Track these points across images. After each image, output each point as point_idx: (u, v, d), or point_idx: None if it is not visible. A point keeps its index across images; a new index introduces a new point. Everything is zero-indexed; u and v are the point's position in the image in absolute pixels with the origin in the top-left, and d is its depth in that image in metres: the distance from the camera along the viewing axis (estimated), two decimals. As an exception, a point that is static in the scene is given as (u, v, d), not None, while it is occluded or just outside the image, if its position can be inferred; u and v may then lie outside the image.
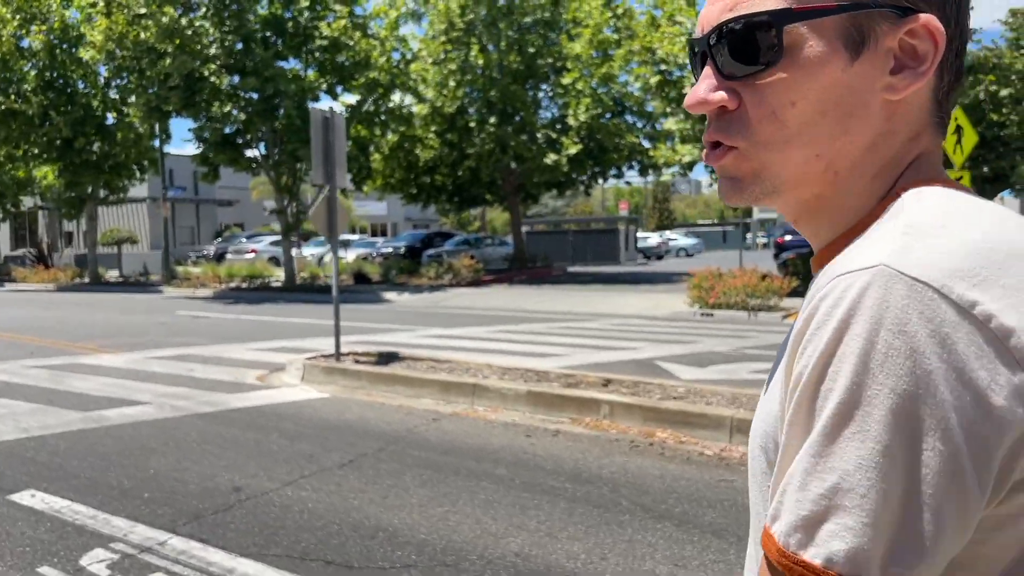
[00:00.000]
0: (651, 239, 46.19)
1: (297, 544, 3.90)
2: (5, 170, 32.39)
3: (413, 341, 11.24)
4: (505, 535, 4.01)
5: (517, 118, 25.48)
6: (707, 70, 0.70)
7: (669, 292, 19.34)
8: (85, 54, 23.05)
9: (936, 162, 0.72)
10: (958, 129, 8.69)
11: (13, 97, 24.53)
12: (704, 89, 0.70)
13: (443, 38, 24.87)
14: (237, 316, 15.59)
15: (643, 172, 28.74)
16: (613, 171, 27.36)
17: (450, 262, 25.13)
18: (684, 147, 18.91)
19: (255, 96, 20.57)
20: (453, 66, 24.30)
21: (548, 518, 4.24)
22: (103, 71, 26.11)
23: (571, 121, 23.98)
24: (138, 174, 28.22)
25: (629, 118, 26.49)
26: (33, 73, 24.58)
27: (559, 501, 4.52)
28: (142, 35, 19.51)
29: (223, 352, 10.26)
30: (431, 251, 29.80)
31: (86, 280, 28.42)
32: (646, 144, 26.10)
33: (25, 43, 25.45)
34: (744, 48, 0.68)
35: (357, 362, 8.21)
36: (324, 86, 21.46)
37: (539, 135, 25.16)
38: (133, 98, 25.90)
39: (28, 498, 4.65)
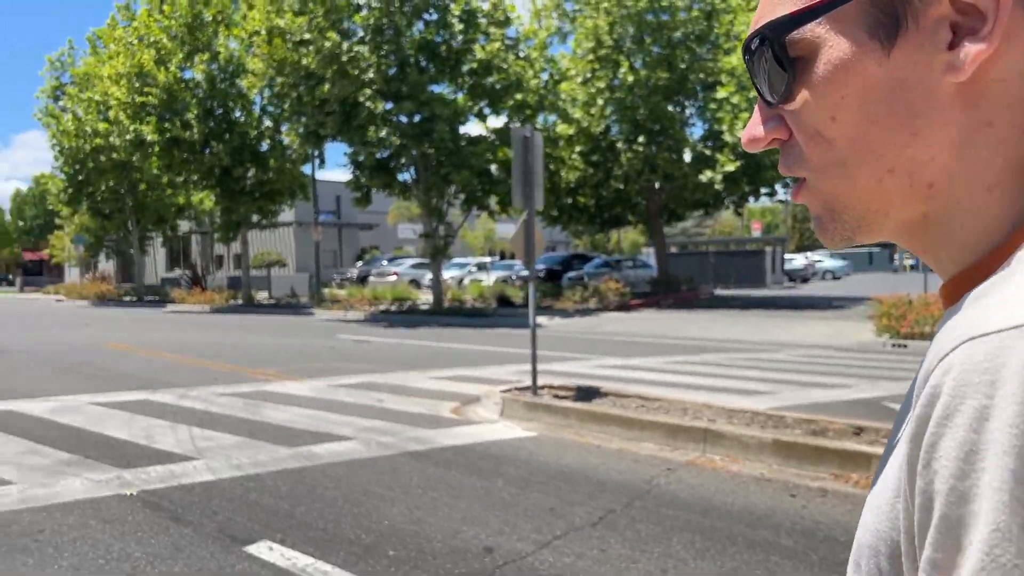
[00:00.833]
0: (796, 261, 44.00)
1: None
2: (167, 196, 34.33)
3: (594, 372, 10.61)
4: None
5: (662, 137, 24.68)
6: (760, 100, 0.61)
7: (843, 319, 17.97)
8: (246, 83, 23.96)
9: None
10: None
11: (178, 126, 25.78)
12: (753, 123, 0.61)
13: (591, 56, 24.39)
14: (400, 341, 15.43)
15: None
16: (765, 189, 26.02)
17: (595, 285, 24.49)
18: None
19: (410, 120, 20.67)
20: (601, 84, 23.76)
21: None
22: (260, 99, 27.24)
23: (727, 137, 22.92)
24: (289, 200, 29.11)
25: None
26: (195, 103, 25.77)
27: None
28: (303, 61, 19.96)
29: (404, 381, 9.94)
30: (572, 273, 29.28)
31: (239, 302, 29.47)
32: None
33: (188, 74, 26.81)
34: (763, 71, 0.58)
35: (557, 397, 7.63)
36: (475, 109, 21.36)
37: (689, 153, 24.23)
38: (286, 126, 26.90)
39: (266, 551, 4.26)
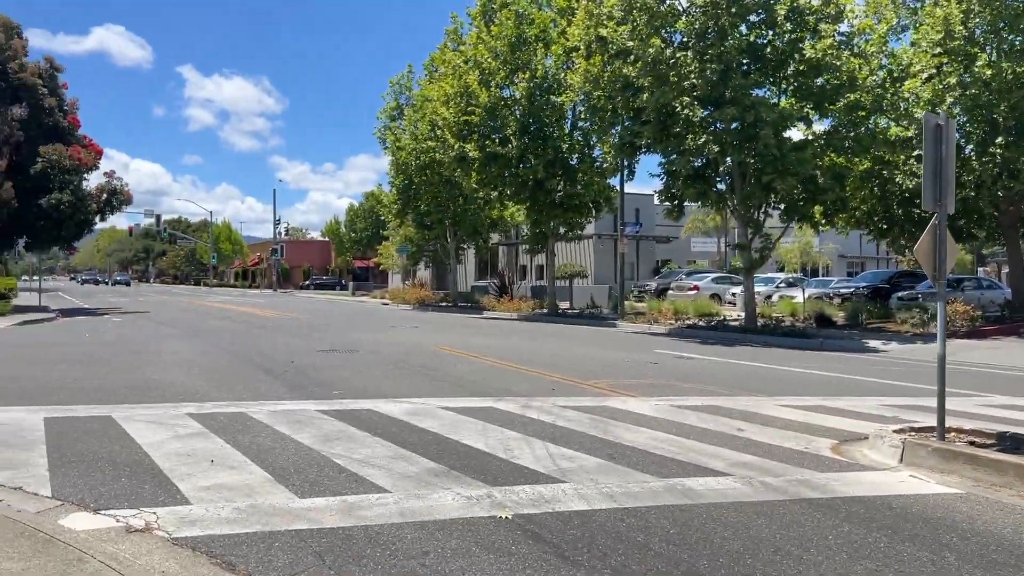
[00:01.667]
0: None
1: None
2: (482, 209, 36.20)
3: (990, 412, 8.80)
4: None
5: None
6: None
7: None
8: (563, 98, 24.29)
9: None
10: None
11: (496, 142, 26.87)
12: None
13: (937, 50, 21.43)
14: (721, 359, 14.37)
15: None
16: None
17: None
18: None
19: (731, 126, 19.53)
20: (952, 80, 20.75)
21: None
22: (571, 114, 27.59)
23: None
24: (594, 212, 29.16)
25: None
26: (514, 120, 26.67)
27: None
28: (625, 70, 19.66)
29: (755, 407, 8.93)
30: (902, 293, 26.03)
31: (544, 310, 30.08)
32: None
33: (506, 92, 27.88)
34: None
35: (975, 444, 6.18)
36: (801, 112, 19.63)
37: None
38: (595, 139, 26.93)
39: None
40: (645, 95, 19.79)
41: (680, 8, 20.40)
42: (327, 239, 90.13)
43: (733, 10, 19.08)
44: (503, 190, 28.99)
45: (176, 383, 10.39)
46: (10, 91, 30.50)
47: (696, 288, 33.35)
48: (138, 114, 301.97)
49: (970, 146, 21.96)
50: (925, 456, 6.09)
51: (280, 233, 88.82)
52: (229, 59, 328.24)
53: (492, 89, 26.78)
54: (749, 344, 18.36)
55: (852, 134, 20.32)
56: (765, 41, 20.06)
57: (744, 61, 20.11)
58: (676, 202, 22.23)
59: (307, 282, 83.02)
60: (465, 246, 40.87)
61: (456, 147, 27.60)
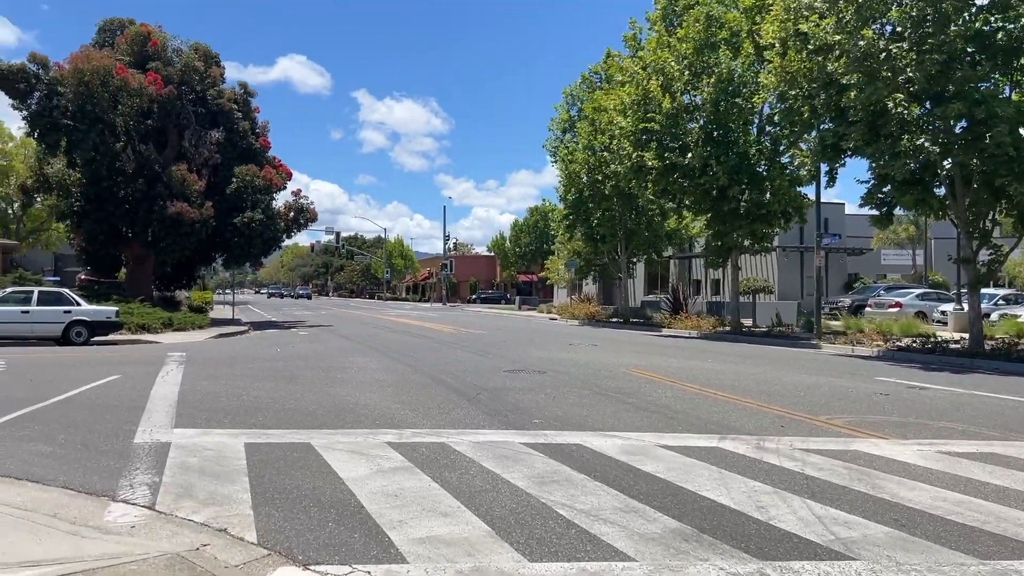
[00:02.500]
0: None
1: None
2: (656, 221, 34.86)
3: None
4: None
5: None
6: None
7: None
8: (756, 99, 22.69)
9: None
10: None
11: (678, 150, 25.56)
12: None
13: None
14: (969, 392, 12.36)
15: None
16: None
17: None
18: None
19: (953, 124, 17.29)
20: None
21: None
22: (756, 120, 25.80)
23: None
24: (783, 223, 27.11)
25: None
26: (697, 127, 25.27)
27: None
28: (828, 67, 17.90)
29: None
30: None
31: (726, 329, 28.31)
32: None
33: (687, 98, 26.51)
34: None
35: None
36: (1043, 104, 17.07)
37: None
38: (784, 144, 24.99)
39: None
40: (852, 93, 17.92)
41: (894, -5, 18.38)
42: (492, 254, 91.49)
43: (957, -8, 16.91)
44: (682, 200, 27.59)
45: (370, 405, 9.99)
46: (209, 116, 32.55)
47: (898, 305, 30.36)
48: (317, 138, 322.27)
49: None
50: None
51: (448, 249, 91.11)
52: (400, 83, 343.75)
53: (675, 95, 25.52)
54: (979, 371, 16.03)
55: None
56: (994, 27, 17.64)
57: (969, 50, 17.78)
58: (885, 209, 20.05)
59: (473, 296, 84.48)
60: (635, 260, 39.58)
61: (634, 157, 26.52)
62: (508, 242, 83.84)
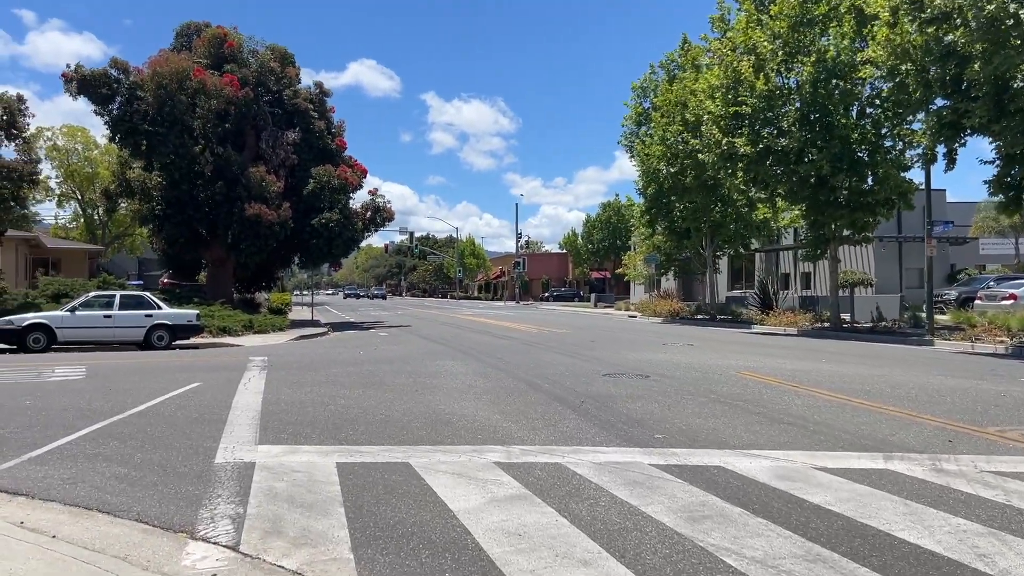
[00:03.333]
0: None
1: None
2: (744, 212, 33.16)
3: None
4: None
5: None
6: None
7: None
8: (862, 72, 21.00)
9: None
10: None
11: (773, 135, 23.99)
12: None
13: None
14: None
15: None
16: None
17: None
18: None
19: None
20: None
21: None
22: (857, 102, 24.02)
23: None
24: (886, 211, 25.20)
25: None
26: (794, 109, 23.66)
27: None
28: (948, 37, 16.27)
29: None
30: None
31: (825, 324, 26.60)
32: None
33: (781, 79, 24.90)
34: None
35: None
36: None
37: None
38: (889, 126, 23.19)
39: None
40: (976, 64, 16.27)
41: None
42: (564, 251, 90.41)
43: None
44: (775, 189, 25.98)
45: (467, 415, 9.07)
46: (285, 117, 32.37)
47: (1013, 297, 27.96)
48: (389, 141, 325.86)
49: None
50: None
51: (520, 247, 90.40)
52: (467, 84, 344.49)
53: (769, 76, 23.95)
54: None
55: None
56: None
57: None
58: (1012, 193, 18.24)
59: (546, 294, 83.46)
60: (720, 254, 37.88)
61: (724, 143, 25.06)
62: (580, 239, 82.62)
